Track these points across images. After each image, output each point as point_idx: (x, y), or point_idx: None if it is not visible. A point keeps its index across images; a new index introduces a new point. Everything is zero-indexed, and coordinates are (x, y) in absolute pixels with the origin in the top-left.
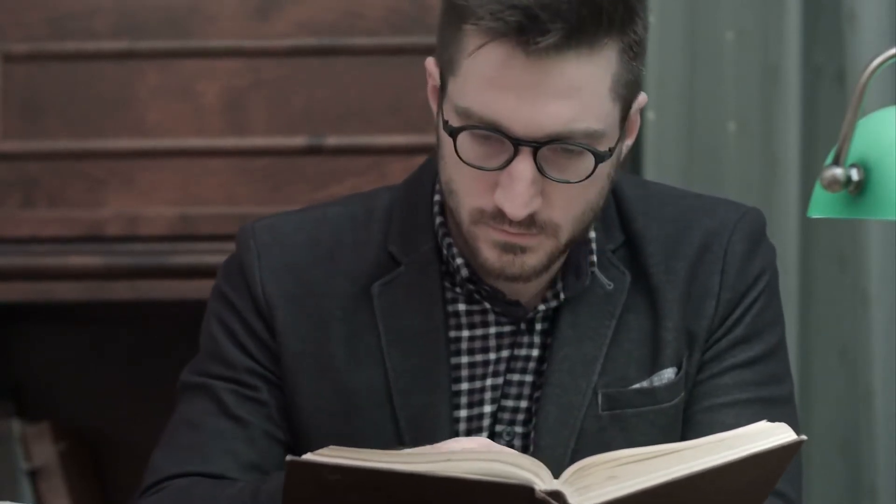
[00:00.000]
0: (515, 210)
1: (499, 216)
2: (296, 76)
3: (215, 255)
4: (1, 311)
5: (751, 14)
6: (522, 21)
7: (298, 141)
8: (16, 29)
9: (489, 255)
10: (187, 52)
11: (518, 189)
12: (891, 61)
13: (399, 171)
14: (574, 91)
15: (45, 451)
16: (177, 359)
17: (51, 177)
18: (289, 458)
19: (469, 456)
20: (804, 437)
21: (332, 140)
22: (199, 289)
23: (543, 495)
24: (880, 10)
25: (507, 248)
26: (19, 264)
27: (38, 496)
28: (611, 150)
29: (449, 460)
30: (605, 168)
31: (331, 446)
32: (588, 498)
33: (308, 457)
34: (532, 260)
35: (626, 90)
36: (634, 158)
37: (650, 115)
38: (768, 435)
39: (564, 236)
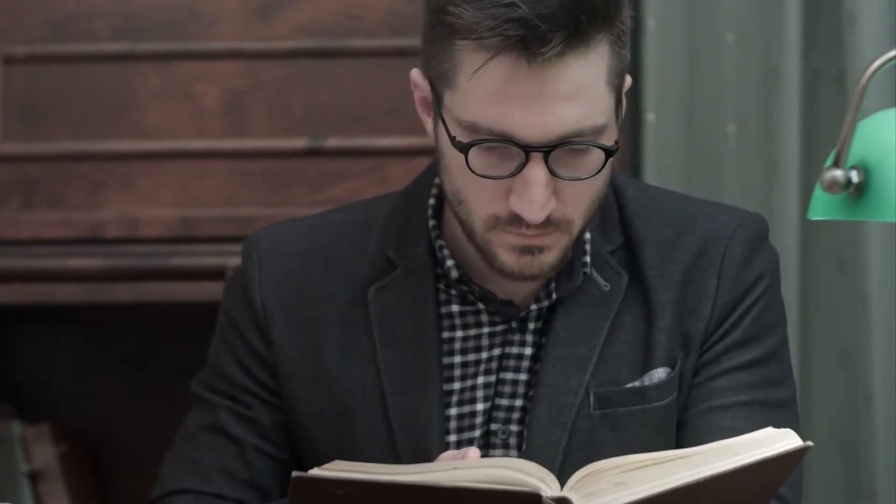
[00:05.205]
0: (534, 215)
1: (515, 221)
2: (296, 78)
3: (215, 257)
4: (1, 312)
5: (751, 16)
6: (524, 34)
7: (298, 143)
8: (16, 31)
9: (507, 258)
10: (187, 55)
11: (535, 194)
12: (891, 63)
13: (399, 174)
14: (577, 91)
15: (45, 453)
16: (176, 360)
17: (51, 179)
18: (295, 473)
19: (475, 464)
20: (810, 443)
21: (332, 142)
22: (199, 290)
23: (551, 502)
24: (880, 12)
25: (526, 251)
26: (19, 266)
27: (38, 498)
28: (617, 143)
29: (455, 468)
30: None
31: (336, 461)
32: None
33: (314, 472)
34: (549, 258)
35: (618, 78)
36: (634, 160)
37: (650, 116)
38: (774, 441)
39: (576, 229)
